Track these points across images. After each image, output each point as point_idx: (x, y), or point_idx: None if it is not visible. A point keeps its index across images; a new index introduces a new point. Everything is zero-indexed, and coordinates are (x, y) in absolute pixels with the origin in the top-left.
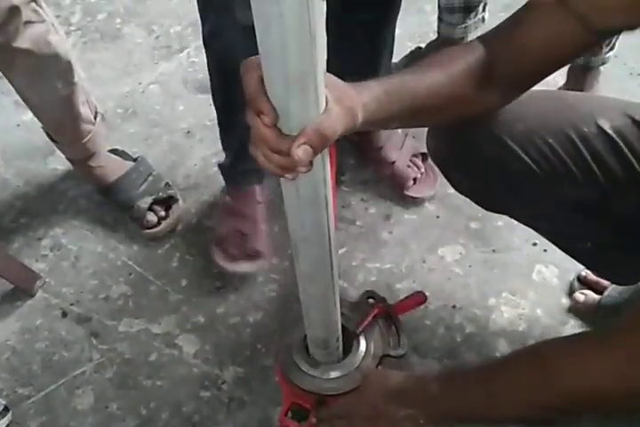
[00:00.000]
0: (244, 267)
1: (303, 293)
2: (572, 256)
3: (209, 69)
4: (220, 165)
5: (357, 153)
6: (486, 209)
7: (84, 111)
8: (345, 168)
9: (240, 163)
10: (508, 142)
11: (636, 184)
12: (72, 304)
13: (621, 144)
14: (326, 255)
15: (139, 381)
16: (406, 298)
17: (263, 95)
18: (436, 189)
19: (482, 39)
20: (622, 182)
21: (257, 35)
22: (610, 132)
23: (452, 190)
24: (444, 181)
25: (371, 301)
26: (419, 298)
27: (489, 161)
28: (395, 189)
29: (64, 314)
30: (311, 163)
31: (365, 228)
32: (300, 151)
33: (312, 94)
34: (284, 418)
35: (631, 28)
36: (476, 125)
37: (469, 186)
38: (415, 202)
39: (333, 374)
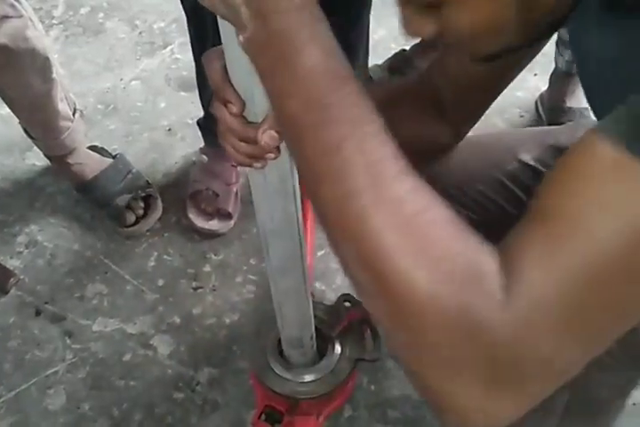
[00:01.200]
0: (212, 225)
1: (275, 289)
2: None
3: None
4: (198, 123)
5: None
6: None
7: (63, 108)
8: None
9: (214, 119)
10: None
11: None
12: (46, 302)
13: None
14: (297, 248)
15: (112, 381)
16: None
17: (228, 84)
18: None
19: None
20: None
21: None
22: (532, 163)
23: None
24: None
25: (347, 304)
26: None
27: None
28: None
29: (38, 312)
30: (279, 149)
31: None
32: (267, 136)
33: None
34: (258, 421)
35: (511, 49)
36: None
37: None
38: None
39: (308, 378)
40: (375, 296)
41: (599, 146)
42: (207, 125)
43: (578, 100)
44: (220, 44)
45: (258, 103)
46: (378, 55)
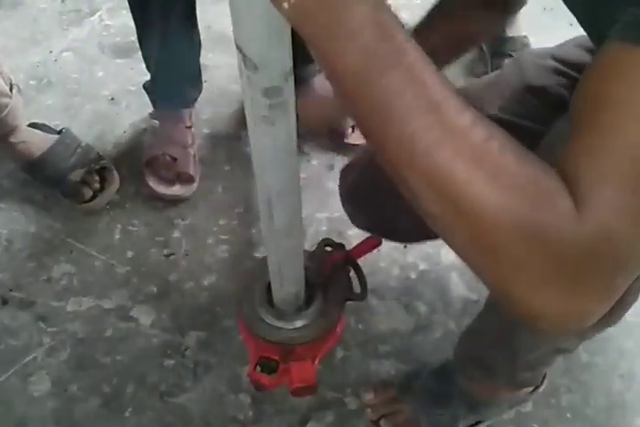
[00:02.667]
0: (175, 190)
1: (276, 250)
2: None
3: None
4: (145, 86)
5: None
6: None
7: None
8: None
9: (161, 80)
10: None
11: None
12: (11, 290)
13: (511, 118)
14: (299, 206)
15: (96, 359)
16: (362, 243)
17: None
18: None
19: None
20: None
21: None
22: (499, 114)
23: None
24: None
25: (328, 249)
26: (374, 241)
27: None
28: (335, 139)
29: (4, 301)
30: None
31: (310, 180)
32: None
33: None
34: (254, 373)
35: None
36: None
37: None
38: (356, 149)
39: (299, 323)
40: (452, 225)
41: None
42: (155, 87)
43: (517, 29)
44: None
45: (273, 67)
46: None
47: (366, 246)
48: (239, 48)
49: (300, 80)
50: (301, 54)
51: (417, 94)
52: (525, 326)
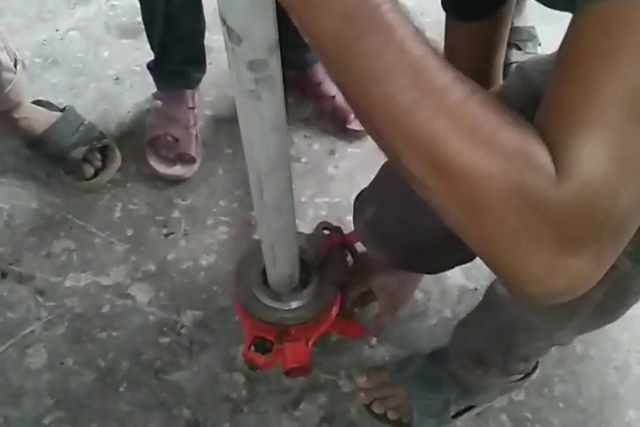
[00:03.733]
0: (176, 170)
1: (268, 229)
2: None
3: None
4: (149, 66)
5: (296, 90)
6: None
7: (4, 58)
8: (286, 106)
9: (165, 61)
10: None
11: None
12: (11, 264)
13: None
14: (288, 184)
15: (93, 334)
16: None
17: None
18: None
19: None
20: None
21: None
22: None
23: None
24: None
25: (326, 232)
26: None
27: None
28: (337, 124)
29: (3, 275)
30: None
31: (311, 164)
32: None
33: None
34: (249, 352)
35: None
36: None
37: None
38: (358, 135)
39: (295, 304)
40: (434, 185)
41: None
42: (158, 68)
43: (524, 19)
44: None
45: (257, 40)
46: None
47: None
48: (223, 19)
49: (304, 66)
50: (303, 39)
51: (396, 55)
52: (515, 294)
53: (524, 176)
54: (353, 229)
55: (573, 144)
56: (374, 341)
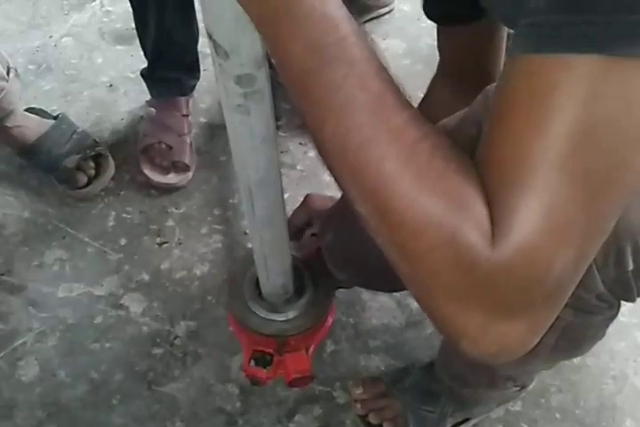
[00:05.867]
0: (170, 179)
1: (260, 241)
2: None
3: None
4: (142, 73)
5: (290, 99)
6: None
7: None
8: (281, 113)
9: (158, 68)
10: None
11: None
12: (2, 274)
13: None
14: (280, 196)
15: (86, 345)
16: None
17: None
18: None
19: None
20: None
21: None
22: None
23: None
24: None
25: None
26: None
27: None
28: None
29: None
30: None
31: (306, 171)
32: None
33: None
34: (249, 367)
35: None
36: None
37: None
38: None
39: (292, 314)
40: (377, 226)
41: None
42: (152, 75)
43: None
44: None
45: (245, 54)
46: None
47: None
48: (209, 35)
49: None
50: None
51: (354, 89)
52: (452, 346)
53: (461, 230)
54: None
55: (509, 204)
56: None
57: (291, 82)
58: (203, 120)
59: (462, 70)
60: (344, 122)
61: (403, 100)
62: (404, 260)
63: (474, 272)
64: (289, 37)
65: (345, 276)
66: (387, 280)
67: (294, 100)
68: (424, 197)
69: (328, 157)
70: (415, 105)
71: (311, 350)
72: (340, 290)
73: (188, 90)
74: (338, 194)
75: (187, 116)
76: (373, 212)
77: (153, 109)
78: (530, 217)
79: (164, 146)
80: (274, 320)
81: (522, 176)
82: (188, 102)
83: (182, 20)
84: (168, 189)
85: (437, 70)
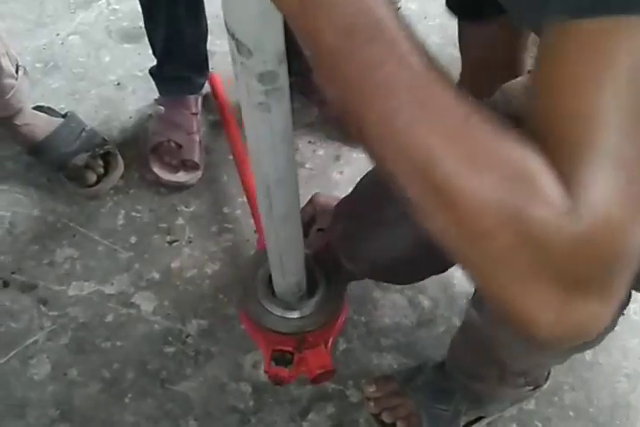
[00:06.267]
0: (179, 177)
1: (276, 239)
2: None
3: None
4: (151, 72)
5: (301, 96)
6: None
7: (5, 64)
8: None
9: (168, 67)
10: None
11: None
12: (13, 273)
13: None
14: (296, 193)
15: (97, 344)
16: None
17: None
18: None
19: None
20: None
21: None
22: None
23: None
24: None
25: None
26: None
27: None
28: (342, 129)
29: (5, 284)
30: None
31: (316, 170)
32: None
33: None
34: (271, 367)
35: None
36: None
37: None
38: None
39: (308, 311)
40: (431, 209)
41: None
42: (161, 74)
43: None
44: None
45: (268, 51)
46: None
47: None
48: (231, 34)
49: (308, 72)
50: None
51: (396, 69)
52: (521, 334)
53: (528, 205)
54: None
55: (581, 175)
56: None
57: (326, 69)
58: (211, 118)
59: (488, 68)
60: (388, 102)
61: (446, 77)
62: (464, 243)
63: (547, 249)
64: (321, 25)
65: (355, 267)
66: (397, 272)
67: (328, 87)
68: (481, 172)
69: (373, 142)
70: None
71: (329, 344)
72: (352, 289)
73: (197, 88)
74: (346, 192)
75: (196, 114)
76: (427, 194)
77: (162, 108)
78: (607, 189)
79: (173, 144)
80: (291, 318)
81: (593, 149)
82: (197, 100)
83: (192, 18)
84: (177, 188)
85: (462, 71)
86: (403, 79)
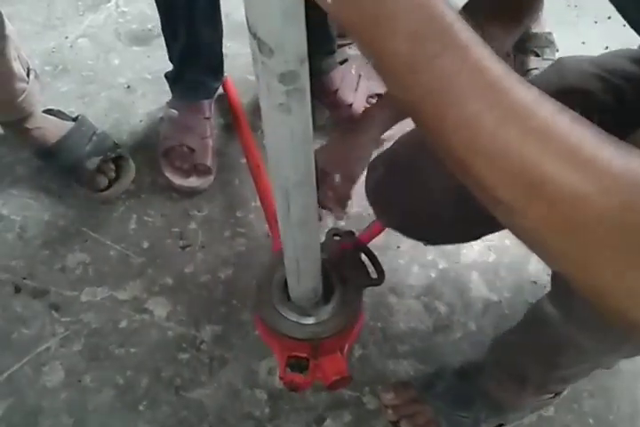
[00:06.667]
0: (191, 182)
1: (293, 244)
2: None
3: None
4: (167, 76)
5: (313, 98)
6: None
7: (17, 68)
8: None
9: (185, 72)
10: None
11: None
12: (25, 278)
13: None
14: (314, 196)
15: (110, 350)
16: (367, 227)
17: None
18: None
19: None
20: None
21: None
22: None
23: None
24: None
25: (336, 238)
26: (379, 225)
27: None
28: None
29: (17, 289)
30: None
31: None
32: None
33: None
34: (286, 374)
35: None
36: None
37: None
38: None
39: (324, 317)
40: (525, 209)
41: None
42: (178, 78)
43: (542, 25)
44: None
45: (290, 51)
46: None
47: (374, 230)
48: (253, 32)
49: (320, 73)
50: (320, 47)
51: (473, 74)
52: (627, 332)
53: (634, 193)
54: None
55: None
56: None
57: (396, 81)
58: (222, 122)
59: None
60: (469, 108)
61: (521, 79)
62: (561, 235)
63: None
64: (389, 37)
65: (387, 218)
66: (427, 229)
67: (399, 96)
68: (581, 168)
69: (454, 149)
70: None
71: (345, 350)
72: (366, 294)
73: (211, 93)
74: (356, 194)
75: (209, 118)
76: (520, 195)
77: (175, 111)
78: None
79: (185, 148)
80: (308, 324)
81: None
82: (210, 105)
83: (210, 23)
84: (190, 192)
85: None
86: (481, 85)
